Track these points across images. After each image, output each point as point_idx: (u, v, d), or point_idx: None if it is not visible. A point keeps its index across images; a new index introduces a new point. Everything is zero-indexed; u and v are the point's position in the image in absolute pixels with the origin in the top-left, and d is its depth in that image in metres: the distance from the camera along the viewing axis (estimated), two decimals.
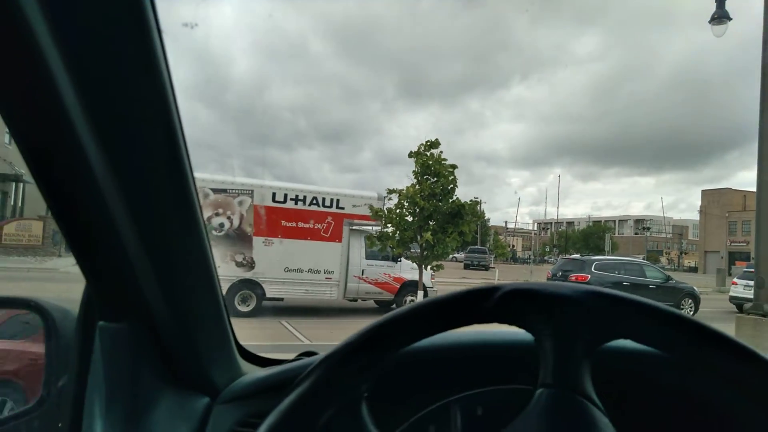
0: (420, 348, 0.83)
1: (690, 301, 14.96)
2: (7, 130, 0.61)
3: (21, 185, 19.19)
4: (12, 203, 19.32)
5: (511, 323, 0.59)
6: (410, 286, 12.37)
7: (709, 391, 0.75)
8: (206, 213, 10.93)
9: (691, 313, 14.54)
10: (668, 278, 15.52)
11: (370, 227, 12.43)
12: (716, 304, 16.45)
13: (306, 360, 0.98)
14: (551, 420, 0.53)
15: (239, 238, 11.28)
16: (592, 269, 14.58)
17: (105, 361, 0.84)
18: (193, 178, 0.77)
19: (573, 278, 14.15)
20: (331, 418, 0.57)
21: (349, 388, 0.58)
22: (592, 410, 0.54)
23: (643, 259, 26.43)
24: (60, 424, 0.92)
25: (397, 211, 12.12)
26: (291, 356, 1.08)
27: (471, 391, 0.66)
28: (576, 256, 20.24)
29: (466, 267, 37.17)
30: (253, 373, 1.02)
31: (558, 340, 0.57)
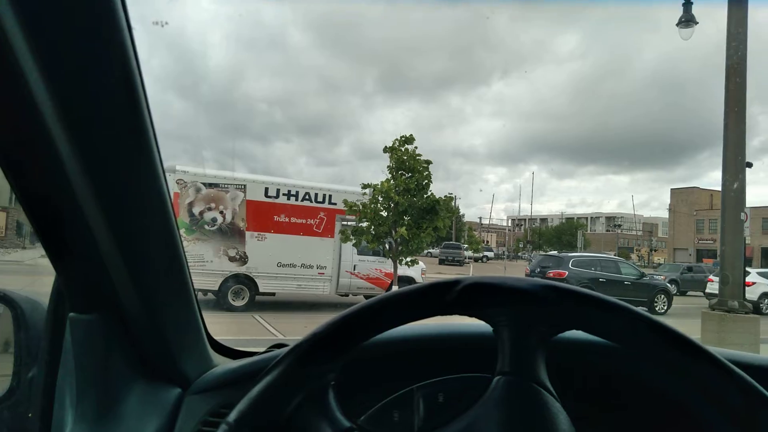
0: (385, 339, 0.86)
1: (663, 297, 15.43)
2: None
3: None
4: None
5: (471, 315, 0.62)
6: (403, 282, 12.43)
7: (656, 380, 0.80)
8: (199, 207, 10.85)
9: (665, 308, 15.05)
10: (642, 275, 15.96)
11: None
12: (686, 300, 16.88)
13: (277, 351, 1.00)
14: (508, 405, 0.56)
15: (232, 232, 11.24)
16: (570, 266, 14.88)
17: (76, 352, 0.84)
18: (163, 169, 0.78)
19: (551, 274, 14.41)
20: (300, 404, 0.59)
21: (317, 377, 0.60)
22: (545, 396, 0.57)
23: (615, 255, 26.98)
24: (30, 414, 0.92)
25: (372, 206, 12.14)
26: (263, 349, 1.09)
27: (433, 379, 0.69)
28: (554, 252, 20.62)
29: (441, 262, 37.39)
30: (224, 364, 1.03)
31: (514, 330, 0.60)
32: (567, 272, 14.46)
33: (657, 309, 14.92)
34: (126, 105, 0.67)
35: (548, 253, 19.37)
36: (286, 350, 0.61)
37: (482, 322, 0.63)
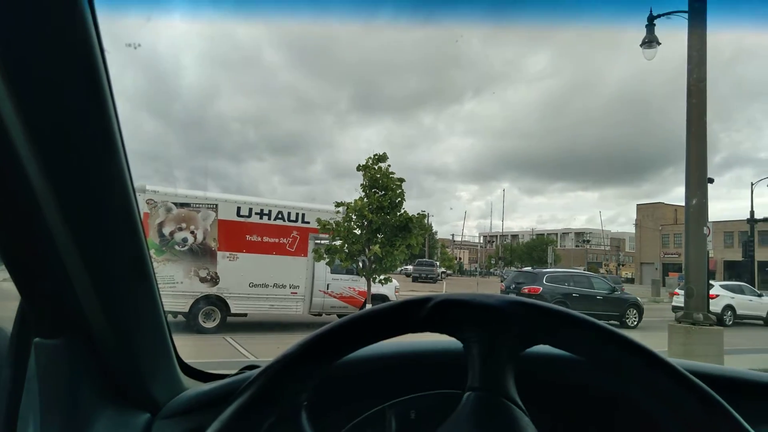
0: (357, 357, 0.86)
1: (634, 311, 15.73)
2: None
3: None
4: None
5: (442, 332, 0.63)
6: (377, 300, 12.35)
7: (622, 392, 0.82)
8: (169, 227, 10.65)
9: (636, 322, 15.38)
10: (614, 289, 16.30)
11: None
12: (653, 314, 17.24)
13: (248, 373, 0.99)
14: (478, 420, 0.57)
15: (203, 252, 11.06)
16: (544, 281, 15.11)
17: (41, 378, 0.82)
18: (134, 190, 0.77)
19: (526, 290, 14.59)
20: (272, 426, 0.59)
21: (289, 397, 0.60)
22: (514, 411, 0.58)
23: (584, 270, 27.47)
24: None
25: (345, 224, 12.13)
26: (234, 371, 1.08)
27: (405, 396, 0.69)
28: (528, 268, 20.97)
29: (415, 280, 37.42)
30: (194, 387, 1.02)
31: (484, 346, 0.61)
32: (541, 288, 14.67)
33: (628, 323, 15.22)
34: (97, 126, 0.67)
35: (522, 270, 19.67)
36: (258, 371, 0.61)
37: (453, 339, 0.64)
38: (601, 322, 0.60)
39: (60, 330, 0.83)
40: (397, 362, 0.91)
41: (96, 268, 0.77)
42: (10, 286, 0.79)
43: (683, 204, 8.04)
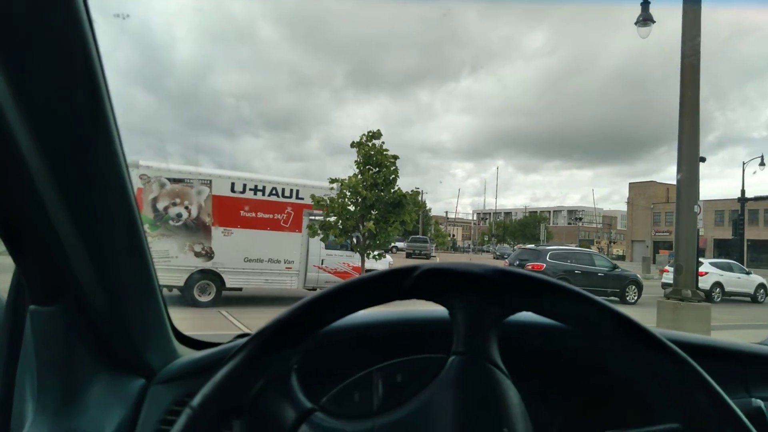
0: (346, 325, 0.88)
1: (634, 287, 16.09)
2: None
3: None
4: None
5: (428, 299, 0.65)
6: None
7: (600, 357, 0.85)
8: (163, 203, 10.60)
9: (635, 298, 15.77)
10: (615, 266, 16.61)
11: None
12: (645, 291, 17.51)
13: (240, 341, 1.01)
14: (462, 383, 0.60)
15: (198, 228, 11.02)
16: (547, 258, 15.33)
17: (36, 344, 0.84)
18: (125, 160, 0.78)
19: (529, 266, 14.73)
20: (263, 388, 0.61)
21: (280, 361, 0.63)
22: (497, 374, 0.61)
23: (576, 247, 27.75)
24: None
25: (340, 200, 12.12)
26: (227, 340, 1.10)
27: (392, 360, 0.72)
28: (531, 246, 21.17)
29: (408, 256, 37.59)
30: (189, 355, 1.04)
31: (468, 313, 0.63)
32: (545, 264, 14.85)
33: (628, 299, 15.57)
34: (87, 98, 0.68)
35: (526, 247, 19.83)
36: (249, 337, 0.63)
37: (438, 307, 0.67)
38: (582, 290, 0.62)
39: (55, 298, 0.84)
40: (385, 330, 0.93)
41: (89, 238, 0.78)
42: (6, 259, 0.81)
43: (675, 183, 8.08)
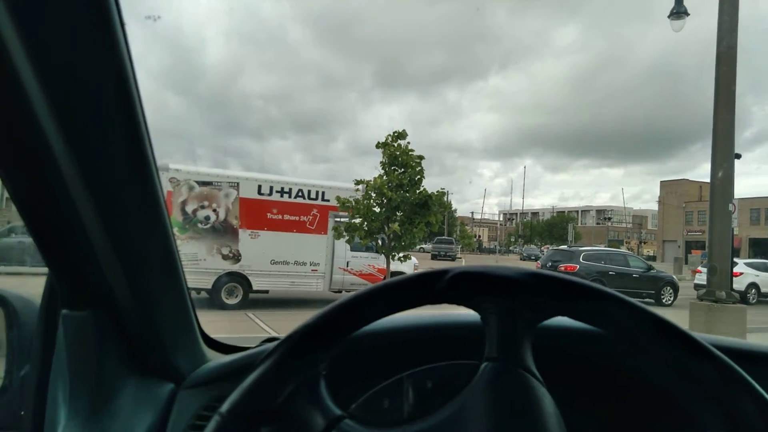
0: (375, 330, 0.87)
1: (669, 289, 15.77)
2: None
3: None
4: None
5: (459, 303, 0.63)
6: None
7: (639, 365, 0.81)
8: (192, 206, 10.80)
9: (671, 300, 15.43)
10: (650, 267, 16.32)
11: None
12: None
13: (268, 345, 1.01)
14: (495, 390, 0.58)
15: (225, 230, 11.18)
16: (580, 260, 15.14)
17: (69, 349, 0.85)
18: (156, 166, 0.78)
19: (562, 268, 14.59)
20: (292, 394, 0.60)
21: (308, 367, 0.61)
22: (531, 381, 0.59)
23: (605, 247, 27.32)
24: (23, 412, 0.93)
25: (365, 202, 12.14)
26: (255, 344, 1.10)
27: (422, 366, 0.70)
28: (564, 247, 20.93)
29: (434, 257, 37.44)
30: (217, 359, 1.04)
31: (501, 317, 0.61)
32: (578, 266, 14.67)
33: (664, 301, 15.26)
34: (119, 102, 0.68)
35: (559, 248, 19.60)
36: (277, 342, 0.62)
37: (470, 311, 0.65)
38: (620, 294, 0.60)
39: (86, 303, 0.85)
40: (415, 335, 0.92)
41: (120, 244, 0.79)
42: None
43: (709, 181, 7.87)
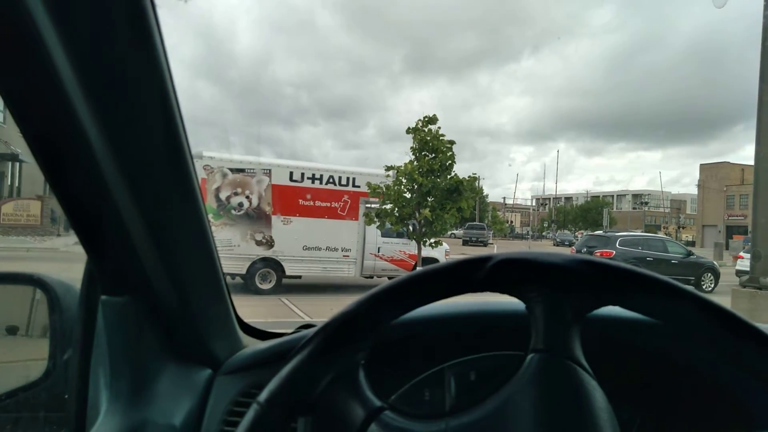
0: (416, 318, 0.85)
1: (710, 275, 15.38)
2: (1, 109, 0.62)
3: (18, 165, 19.10)
4: (9, 183, 19.25)
5: (503, 292, 0.60)
6: (427, 263, 12.30)
7: (696, 357, 0.78)
8: (225, 192, 11.00)
9: (711, 286, 15.03)
10: (690, 253, 15.95)
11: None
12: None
13: (305, 332, 1.00)
14: (541, 383, 0.55)
15: (258, 217, 11.36)
16: (617, 245, 14.86)
17: (108, 334, 0.86)
18: (190, 153, 0.78)
19: (598, 253, 14.34)
20: (330, 384, 0.59)
21: (346, 356, 0.60)
22: (580, 373, 0.56)
23: (642, 233, 26.70)
24: (66, 396, 0.94)
25: (395, 188, 12.11)
26: (291, 330, 1.10)
27: (465, 357, 0.68)
28: (599, 232, 20.53)
29: (465, 243, 37.17)
30: (253, 345, 1.04)
31: (548, 306, 0.58)
32: (614, 251, 14.40)
33: (704, 287, 14.84)
34: (153, 90, 0.67)
35: (594, 233, 19.20)
36: (315, 330, 0.61)
37: (514, 300, 0.62)
38: (675, 281, 0.56)
39: (124, 289, 0.86)
40: (457, 323, 0.89)
41: (156, 230, 0.79)
42: (77, 250, 0.82)
43: (752, 163, 7.57)
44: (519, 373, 0.57)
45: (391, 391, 0.65)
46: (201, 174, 10.59)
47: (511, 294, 0.61)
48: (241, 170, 11.24)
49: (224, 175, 10.97)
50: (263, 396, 0.57)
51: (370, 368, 0.62)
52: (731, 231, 53.82)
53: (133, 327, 0.87)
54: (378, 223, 12.00)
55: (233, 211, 11.09)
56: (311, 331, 0.61)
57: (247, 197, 11.21)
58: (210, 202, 10.78)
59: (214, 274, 0.94)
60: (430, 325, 0.88)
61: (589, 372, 0.57)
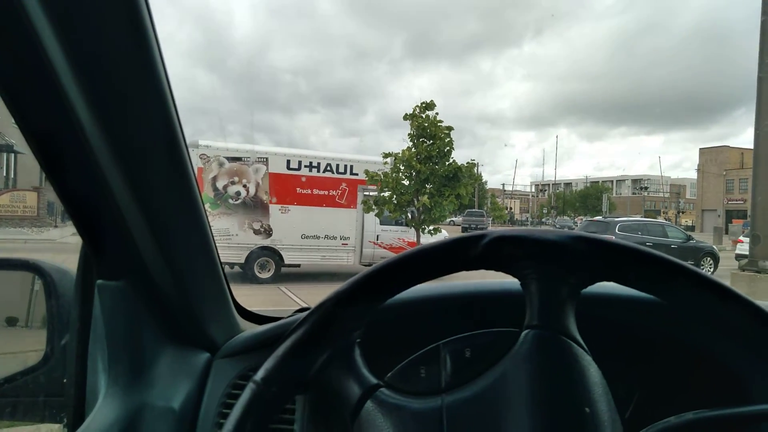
0: (411, 298, 0.85)
1: (710, 259, 15.55)
2: None
3: (14, 156, 19.03)
4: (5, 174, 19.20)
5: (498, 269, 0.60)
6: None
7: (691, 334, 0.78)
8: (222, 181, 10.98)
9: (711, 271, 15.07)
10: (689, 238, 16.10)
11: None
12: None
13: (302, 315, 1.00)
14: (536, 358, 0.55)
15: (256, 206, 11.36)
16: (616, 230, 14.97)
17: (105, 318, 0.86)
18: (185, 139, 0.78)
19: None
20: (326, 362, 0.59)
21: (342, 334, 0.60)
22: (575, 349, 0.56)
23: (641, 217, 26.79)
24: (65, 380, 0.95)
25: (394, 175, 12.09)
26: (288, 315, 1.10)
27: (460, 334, 0.68)
28: (599, 217, 20.65)
29: (464, 230, 37.26)
30: (251, 329, 1.04)
31: (543, 283, 0.58)
32: (614, 237, 14.45)
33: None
34: (146, 76, 0.67)
35: (594, 219, 19.30)
36: (310, 310, 0.61)
37: (509, 279, 0.62)
38: (669, 256, 0.56)
39: (120, 273, 0.85)
40: (452, 302, 0.90)
41: (152, 214, 0.79)
42: (75, 241, 0.82)
43: (751, 147, 7.55)
44: (514, 349, 0.57)
45: (387, 370, 0.65)
46: (197, 163, 10.56)
47: (506, 271, 0.61)
48: (238, 159, 11.22)
49: (221, 164, 10.95)
50: (259, 375, 0.57)
51: (367, 347, 0.62)
52: (731, 215, 53.92)
53: (130, 311, 0.87)
54: (376, 211, 12.00)
55: (231, 200, 11.09)
56: (307, 312, 0.61)
57: (245, 186, 11.20)
58: (207, 192, 10.76)
59: (211, 259, 0.94)
60: (426, 305, 0.88)
61: (584, 347, 0.57)
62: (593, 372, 0.55)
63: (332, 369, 0.59)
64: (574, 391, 0.53)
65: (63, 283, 1.00)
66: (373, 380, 0.59)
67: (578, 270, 0.58)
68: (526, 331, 0.58)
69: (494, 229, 0.59)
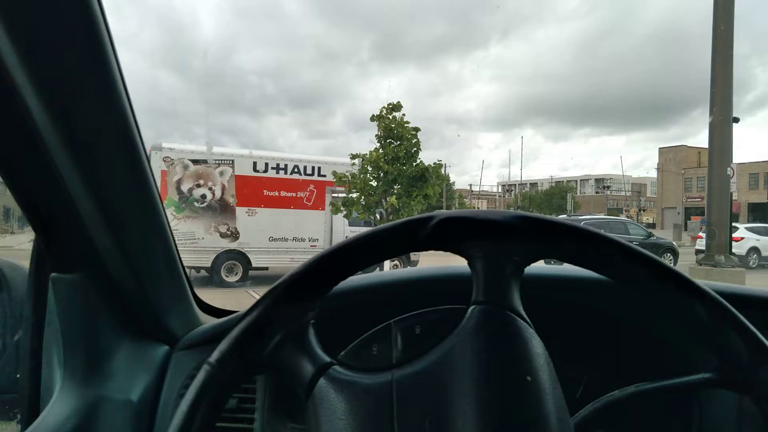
0: (363, 284, 0.87)
1: (669, 255, 16.32)
2: None
3: None
4: None
5: (446, 249, 0.63)
6: None
7: (635, 313, 0.82)
8: (187, 184, 10.79)
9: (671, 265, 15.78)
10: (650, 235, 16.96)
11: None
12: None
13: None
14: (482, 332, 0.58)
15: (222, 208, 11.23)
16: None
17: (60, 312, 0.85)
18: (140, 133, 0.78)
19: None
20: (280, 343, 0.60)
21: (296, 316, 0.61)
22: (518, 322, 0.59)
23: (604, 216, 27.53)
24: (18, 375, 0.93)
25: (361, 176, 12.10)
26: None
27: (411, 313, 0.70)
28: (563, 216, 21.37)
29: None
30: (210, 322, 1.04)
31: (489, 261, 0.61)
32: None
33: None
34: (98, 71, 0.67)
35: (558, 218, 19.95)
36: (265, 293, 0.62)
37: (459, 265, 0.64)
38: (608, 234, 0.59)
39: (75, 266, 0.85)
40: (406, 286, 0.92)
41: (106, 207, 0.78)
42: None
43: (707, 146, 7.84)
44: (461, 325, 0.59)
45: (340, 349, 0.67)
46: (161, 166, 10.35)
47: (453, 251, 0.63)
48: (203, 161, 11.06)
49: (185, 167, 10.77)
50: (214, 357, 0.58)
51: (323, 330, 0.63)
52: (690, 212, 55.70)
53: (86, 304, 0.86)
54: (345, 212, 11.98)
55: (196, 204, 10.92)
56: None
57: (210, 189, 11.06)
58: (171, 195, 10.57)
59: (168, 252, 0.93)
60: (380, 290, 0.90)
61: (527, 321, 0.59)
62: (536, 344, 0.58)
63: (287, 349, 0.60)
64: (517, 362, 0.56)
65: (14, 278, 0.98)
66: (327, 359, 0.60)
67: (521, 248, 0.61)
68: (472, 307, 0.60)
69: (441, 211, 0.61)
